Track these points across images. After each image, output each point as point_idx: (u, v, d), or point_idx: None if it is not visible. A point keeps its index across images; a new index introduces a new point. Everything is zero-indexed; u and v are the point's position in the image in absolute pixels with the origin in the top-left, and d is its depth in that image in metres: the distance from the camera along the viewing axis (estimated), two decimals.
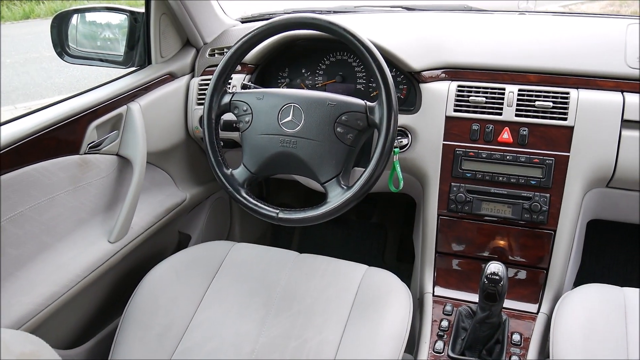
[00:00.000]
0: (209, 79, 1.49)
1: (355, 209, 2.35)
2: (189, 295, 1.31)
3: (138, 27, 1.54)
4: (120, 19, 1.54)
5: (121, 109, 1.42)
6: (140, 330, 1.23)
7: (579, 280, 1.44)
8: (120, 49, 1.57)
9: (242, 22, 1.78)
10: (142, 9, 1.52)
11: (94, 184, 1.38)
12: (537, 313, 1.42)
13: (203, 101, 1.52)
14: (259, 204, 1.28)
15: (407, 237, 1.90)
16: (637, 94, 1.36)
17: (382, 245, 2.36)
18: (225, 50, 1.64)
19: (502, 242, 1.48)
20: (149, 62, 1.58)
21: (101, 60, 1.60)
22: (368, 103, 1.24)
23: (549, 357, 1.19)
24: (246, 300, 1.31)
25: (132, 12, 1.53)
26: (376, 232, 2.38)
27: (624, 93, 1.37)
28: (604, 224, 1.65)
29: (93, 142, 1.35)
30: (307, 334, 1.22)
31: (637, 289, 1.27)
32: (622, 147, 1.35)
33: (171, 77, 1.62)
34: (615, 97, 1.37)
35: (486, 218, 1.47)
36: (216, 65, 1.42)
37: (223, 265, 1.38)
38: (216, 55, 1.66)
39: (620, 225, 1.63)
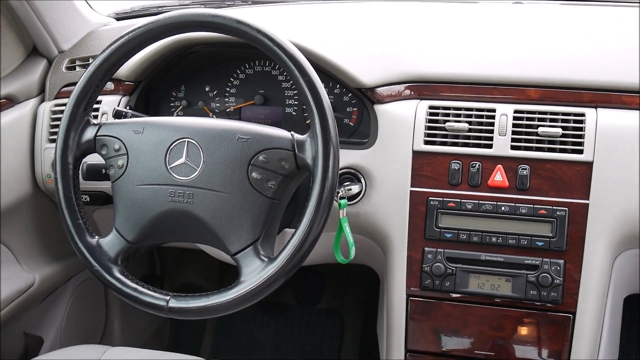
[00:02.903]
0: (65, 104, 1.44)
1: (294, 290, 2.41)
2: None
3: None
4: None
5: None
6: None
7: None
8: None
9: (117, 19, 1.83)
10: None
11: None
12: None
13: (56, 136, 1.45)
14: (141, 289, 1.24)
15: (372, 326, 1.93)
16: None
17: (338, 339, 2.39)
18: (90, 60, 1.64)
19: (502, 333, 1.47)
20: None
21: None
22: (296, 136, 1.22)
23: None
24: None
25: None
26: (328, 322, 2.42)
27: None
28: None
29: None
30: None
31: None
32: None
33: (9, 102, 1.62)
34: None
35: (477, 298, 1.46)
36: (76, 84, 1.37)
37: None
38: (77, 68, 1.67)
39: None
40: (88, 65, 1.52)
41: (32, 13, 1.57)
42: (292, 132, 1.24)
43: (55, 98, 1.65)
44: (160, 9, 1.84)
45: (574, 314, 1.43)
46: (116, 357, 1.41)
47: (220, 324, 2.40)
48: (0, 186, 1.60)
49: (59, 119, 1.60)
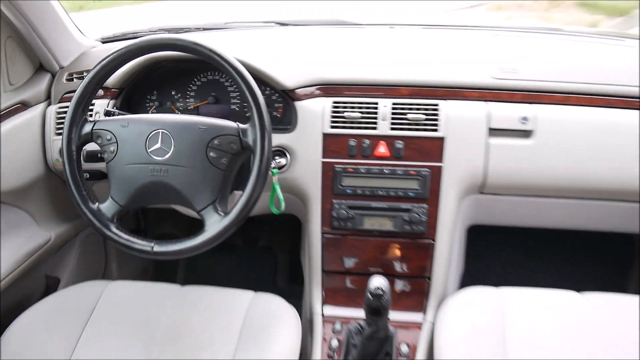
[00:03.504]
0: (67, 107, 1.44)
1: (241, 234, 2.33)
2: (59, 345, 1.26)
3: None
4: None
5: None
6: None
7: (463, 285, 1.51)
8: None
9: (103, 43, 1.75)
10: None
11: None
12: (423, 322, 1.47)
13: (62, 131, 1.45)
14: (132, 239, 1.26)
15: (298, 258, 1.96)
16: (500, 103, 1.45)
17: (273, 268, 2.38)
18: (84, 74, 1.60)
19: (386, 256, 1.51)
20: None
21: None
22: (240, 125, 1.24)
23: None
24: (125, 343, 1.28)
25: None
26: (265, 256, 2.40)
27: (489, 103, 1.45)
28: (483, 229, 1.72)
29: None
30: None
31: (514, 288, 1.35)
32: (490, 154, 1.43)
33: (24, 106, 1.57)
34: (480, 107, 1.44)
35: (369, 233, 1.50)
36: (75, 92, 1.37)
37: (97, 307, 1.34)
38: (75, 79, 1.62)
39: (499, 228, 1.70)
40: (83, 77, 1.51)
41: (38, 39, 1.53)
42: (237, 123, 1.25)
43: (59, 102, 1.62)
44: (135, 34, 1.79)
45: (434, 240, 1.48)
46: (116, 289, 1.41)
47: (189, 261, 2.33)
48: (21, 169, 1.56)
49: (62, 118, 1.59)
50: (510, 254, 2.23)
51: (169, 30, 1.76)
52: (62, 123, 1.51)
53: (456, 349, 1.23)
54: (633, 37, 1.65)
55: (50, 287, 1.78)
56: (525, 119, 1.41)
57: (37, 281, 1.74)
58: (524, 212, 1.59)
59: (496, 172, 1.45)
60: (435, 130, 1.43)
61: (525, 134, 1.43)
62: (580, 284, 1.43)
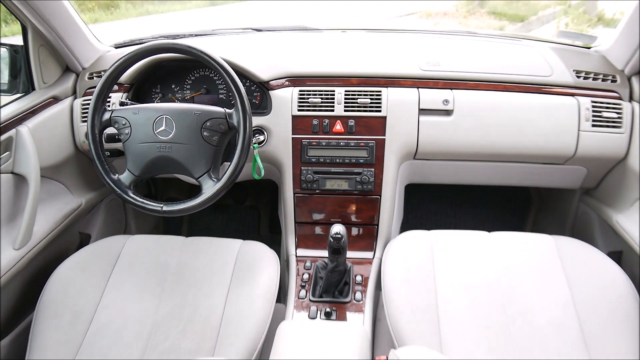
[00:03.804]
0: (90, 99, 1.44)
1: (231, 196, 2.29)
2: (93, 285, 1.28)
3: (18, 58, 1.48)
4: (1, 51, 1.46)
5: (11, 133, 1.36)
6: (54, 320, 1.21)
7: (402, 229, 1.52)
8: (4, 78, 1.48)
9: (116, 48, 1.73)
10: (21, 42, 1.46)
11: None
12: (373, 258, 1.50)
13: (86, 119, 1.42)
14: (145, 201, 1.27)
15: (276, 214, 1.96)
16: (427, 89, 1.46)
17: (257, 222, 2.36)
18: (102, 73, 1.59)
19: (344, 209, 1.53)
20: (33, 89, 1.51)
21: None
22: (227, 110, 1.25)
23: (382, 290, 1.26)
24: (144, 282, 1.29)
25: (11, 46, 1.46)
26: (251, 213, 2.37)
27: (419, 89, 1.46)
28: (418, 186, 1.73)
29: None
30: (197, 302, 1.23)
31: (440, 230, 1.38)
32: (421, 129, 1.46)
33: (55, 100, 1.55)
34: (413, 92, 1.46)
35: (330, 192, 1.51)
36: (95, 87, 1.34)
37: (121, 255, 1.36)
38: (94, 78, 1.61)
39: (429, 185, 1.72)
40: (101, 76, 1.46)
41: (64, 47, 1.52)
42: (225, 109, 1.26)
43: (83, 96, 1.60)
44: (141, 40, 1.74)
45: (380, 196, 1.50)
46: (135, 241, 1.42)
47: (191, 218, 2.34)
48: (55, 149, 1.54)
49: (86, 108, 1.57)
50: (438, 205, 2.25)
51: (167, 37, 1.74)
52: (86, 112, 1.52)
53: (397, 275, 1.25)
54: (528, 38, 1.65)
55: (83, 241, 1.77)
56: (446, 101, 1.44)
57: (72, 237, 1.73)
58: (448, 173, 1.60)
59: (425, 142, 1.47)
60: (379, 111, 1.45)
61: (447, 112, 1.45)
62: (489, 226, 1.44)
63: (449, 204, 2.26)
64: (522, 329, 1.13)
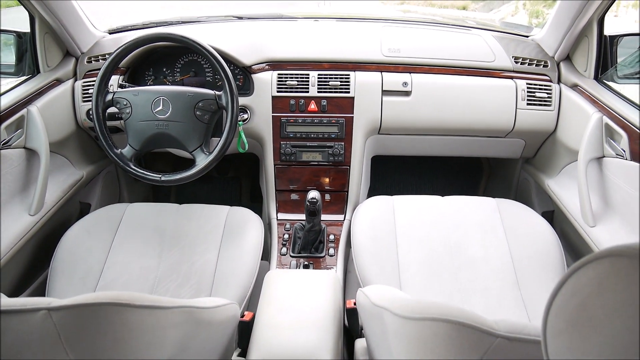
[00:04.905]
0: (89, 81, 1.52)
1: (216, 168, 2.33)
2: (100, 246, 1.33)
3: (24, 43, 1.54)
4: (8, 38, 1.53)
5: (23, 112, 1.42)
6: (66, 277, 1.27)
7: (369, 195, 1.55)
8: (11, 62, 1.54)
9: (110, 33, 1.75)
10: (28, 29, 1.51)
11: (10, 172, 1.38)
12: (344, 220, 1.57)
13: (87, 99, 1.51)
14: (146, 172, 1.34)
15: (256, 184, 1.98)
16: (389, 73, 1.54)
17: (238, 191, 2.39)
18: (99, 57, 1.63)
19: (318, 178, 1.60)
20: (38, 72, 1.56)
21: None
22: (216, 92, 1.32)
23: (351, 247, 1.32)
24: (144, 244, 1.33)
25: (17, 32, 1.52)
26: (234, 183, 2.40)
27: (382, 73, 1.54)
28: (382, 158, 1.80)
29: (4, 140, 1.37)
30: (193, 258, 1.30)
31: (401, 195, 1.46)
32: (384, 108, 1.54)
33: (58, 82, 1.59)
34: (377, 75, 1.53)
35: (306, 163, 1.56)
36: (94, 70, 1.42)
37: (123, 220, 1.40)
38: (92, 62, 1.63)
39: (392, 157, 1.79)
40: (99, 60, 1.59)
41: (66, 33, 1.54)
42: (214, 91, 1.30)
43: (83, 78, 1.61)
44: (133, 26, 1.77)
45: (349, 166, 1.56)
46: (134, 208, 1.44)
47: (178, 188, 2.35)
48: (60, 127, 1.56)
49: (86, 89, 1.60)
50: (401, 174, 2.33)
51: (157, 24, 1.76)
52: (87, 93, 1.59)
53: (364, 233, 1.32)
54: (477, 27, 1.71)
55: (84, 209, 1.80)
56: (405, 83, 1.52)
57: (74, 205, 1.76)
58: (408, 146, 1.67)
59: (388, 119, 1.54)
60: (347, 92, 1.52)
61: (406, 93, 1.53)
62: (446, 192, 1.53)
63: (411, 173, 2.33)
64: (467, 275, 1.24)
